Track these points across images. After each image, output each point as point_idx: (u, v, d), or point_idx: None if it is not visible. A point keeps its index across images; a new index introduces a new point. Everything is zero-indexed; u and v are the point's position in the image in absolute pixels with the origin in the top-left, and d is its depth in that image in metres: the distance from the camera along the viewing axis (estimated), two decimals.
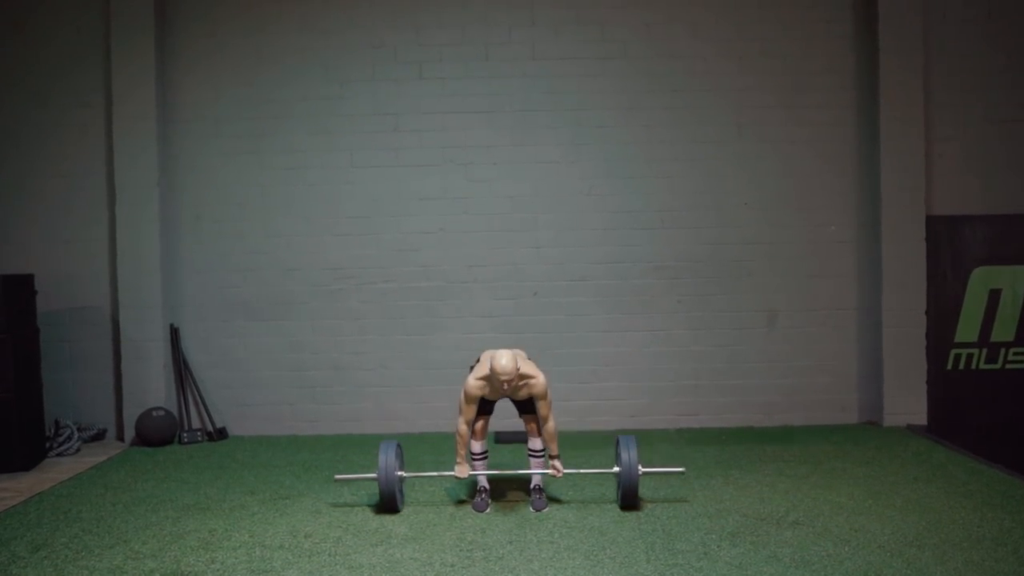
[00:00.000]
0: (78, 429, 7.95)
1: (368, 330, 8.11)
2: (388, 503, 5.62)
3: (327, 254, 8.11)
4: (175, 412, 7.99)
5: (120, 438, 8.06)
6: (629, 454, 5.55)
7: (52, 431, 7.78)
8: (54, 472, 6.95)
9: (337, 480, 6.03)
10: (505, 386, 5.36)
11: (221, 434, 8.01)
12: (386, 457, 5.60)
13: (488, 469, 5.88)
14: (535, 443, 5.78)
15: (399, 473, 5.70)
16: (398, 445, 5.77)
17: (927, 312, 7.93)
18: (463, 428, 5.62)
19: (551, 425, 5.63)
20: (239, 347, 8.15)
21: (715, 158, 8.05)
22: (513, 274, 8.08)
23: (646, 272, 8.05)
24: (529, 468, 5.85)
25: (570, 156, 8.06)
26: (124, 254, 7.93)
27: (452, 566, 4.71)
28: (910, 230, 7.90)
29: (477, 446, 5.77)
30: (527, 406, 5.72)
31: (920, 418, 7.93)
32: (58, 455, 7.49)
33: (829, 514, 5.47)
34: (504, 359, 5.34)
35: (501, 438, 7.64)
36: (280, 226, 8.11)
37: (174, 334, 8.06)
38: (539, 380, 5.54)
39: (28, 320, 7.43)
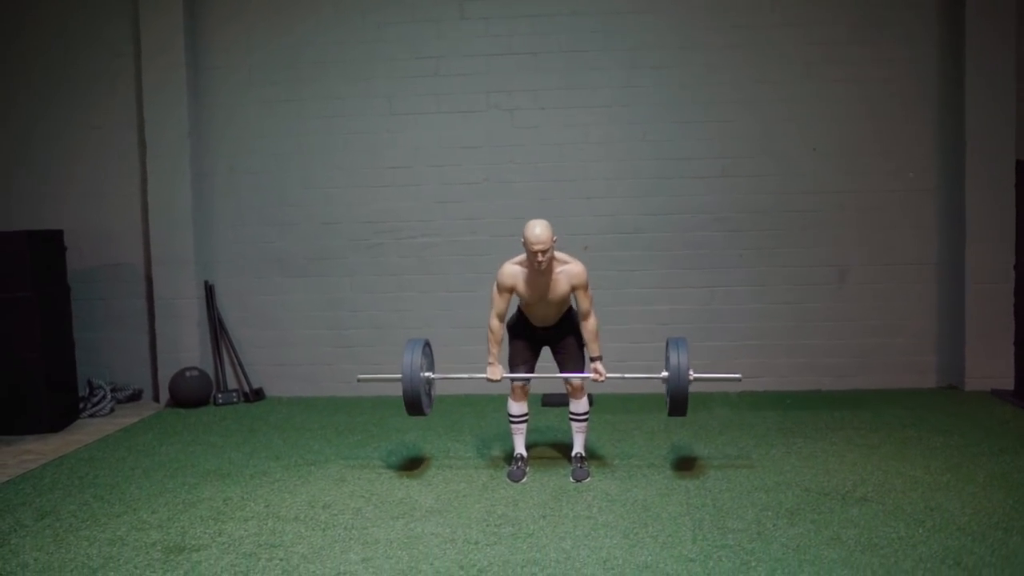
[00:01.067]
0: (113, 390, 7.74)
1: (409, 287, 7.70)
2: (413, 405, 5.18)
3: (366, 207, 7.70)
4: (211, 372, 7.73)
5: (156, 399, 7.82)
6: (679, 357, 5.01)
7: (87, 392, 7.59)
8: (82, 434, 6.71)
9: (360, 381, 5.64)
10: (540, 260, 4.88)
11: (257, 395, 7.72)
12: (411, 356, 5.15)
13: (524, 435, 5.43)
14: (577, 405, 5.32)
15: (426, 375, 5.26)
16: (426, 343, 5.34)
17: (1015, 267, 7.20)
18: (494, 323, 5.22)
19: (592, 322, 5.17)
20: (275, 305, 7.82)
21: (781, 100, 7.39)
22: (562, 226, 7.46)
23: (705, 224, 7.47)
24: (571, 434, 5.40)
25: (623, 99, 7.48)
26: (156, 208, 7.63)
27: (476, 543, 4.28)
28: (997, 176, 7.16)
29: (516, 408, 5.33)
30: (565, 344, 5.25)
31: (1006, 382, 7.22)
32: (91, 416, 7.28)
33: (902, 489, 4.90)
34: (538, 228, 4.88)
35: (548, 400, 7.20)
36: (317, 178, 7.72)
37: (208, 291, 7.76)
38: (579, 266, 5.10)
39: (58, 277, 7.19)
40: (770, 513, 4.60)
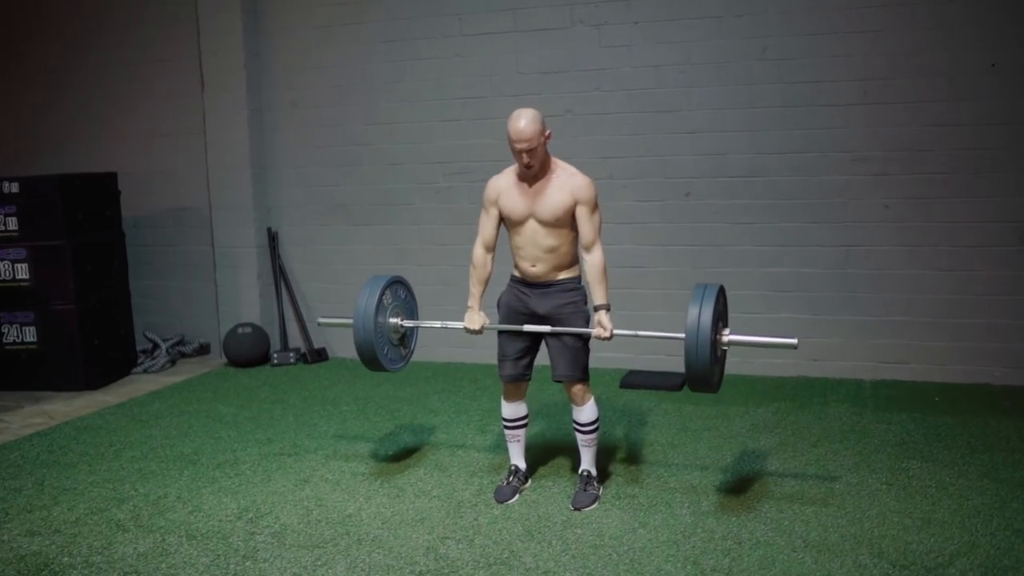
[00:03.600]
0: (178, 343, 7.25)
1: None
2: (367, 357, 4.17)
3: (434, 144, 6.65)
4: (275, 327, 7.05)
5: (223, 354, 7.27)
6: (700, 310, 3.61)
7: (152, 346, 7.15)
8: (112, 394, 6.22)
9: (320, 324, 4.77)
10: (527, 162, 3.78)
11: (319, 355, 6.96)
12: (367, 298, 4.11)
13: (522, 443, 4.26)
14: (580, 413, 4.06)
15: (396, 320, 4.23)
16: (396, 282, 4.30)
17: None
18: (477, 253, 4.12)
19: (597, 257, 3.90)
20: (340, 255, 6.99)
21: (945, 1, 5.60)
22: (659, 168, 6.20)
23: (840, 165, 5.83)
24: (577, 447, 4.19)
25: (736, 8, 5.91)
26: (214, 148, 6.96)
27: None
28: None
29: (508, 409, 4.18)
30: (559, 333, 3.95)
31: None
32: (144, 371, 6.81)
33: None
34: (522, 119, 3.77)
35: (630, 382, 5.95)
36: (381, 111, 6.74)
37: (272, 239, 7.05)
38: (584, 177, 3.92)
39: (109, 223, 6.71)
40: None
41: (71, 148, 7.45)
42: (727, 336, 3.76)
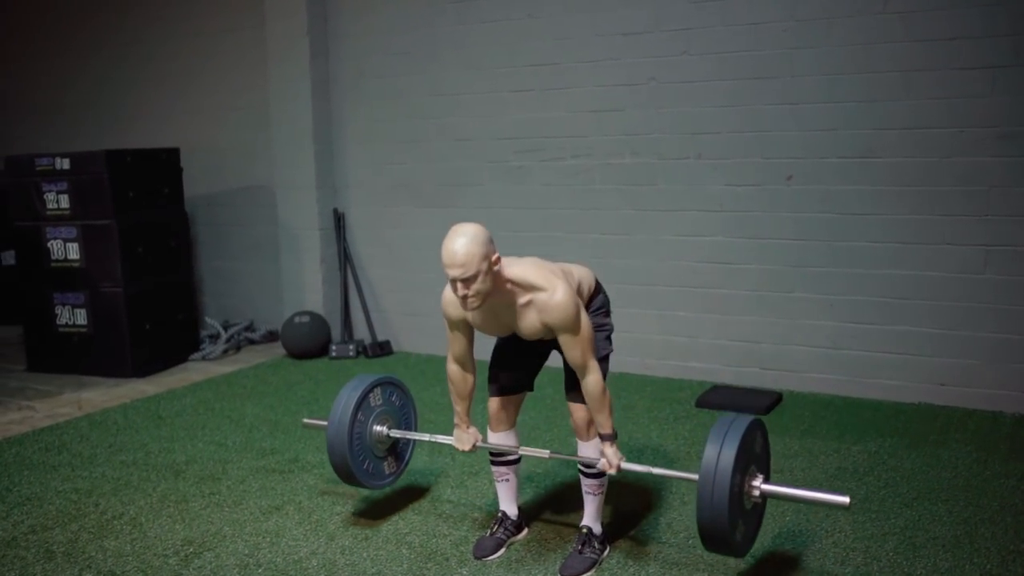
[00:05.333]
0: (247, 329, 6.87)
1: (554, 223, 5.81)
2: (339, 471, 3.55)
3: (504, 118, 5.89)
4: (337, 317, 6.53)
5: None
6: (720, 451, 2.79)
7: (222, 330, 6.80)
8: (155, 384, 5.86)
9: (306, 426, 3.96)
10: (465, 294, 2.87)
11: (383, 348, 6.37)
12: (347, 397, 3.50)
13: (514, 484, 3.47)
14: (585, 449, 3.25)
15: (381, 429, 3.57)
16: (389, 383, 3.64)
17: None
18: (451, 370, 3.31)
19: (592, 381, 3.02)
20: (406, 239, 6.36)
21: None
22: (756, 146, 5.18)
23: (980, 144, 4.64)
24: (581, 491, 3.37)
25: None
26: (278, 122, 6.48)
27: None
28: None
29: (494, 438, 3.42)
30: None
31: None
32: (203, 359, 6.45)
33: None
34: (456, 241, 2.84)
35: (707, 401, 5.03)
36: (448, 81, 6.03)
37: (338, 221, 6.51)
38: (556, 296, 2.94)
39: (165, 202, 6.35)
40: None
41: (139, 123, 7.21)
42: (761, 486, 2.88)
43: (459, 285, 2.86)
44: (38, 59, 7.83)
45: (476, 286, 2.86)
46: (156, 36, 7.11)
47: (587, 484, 3.27)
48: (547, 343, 3.27)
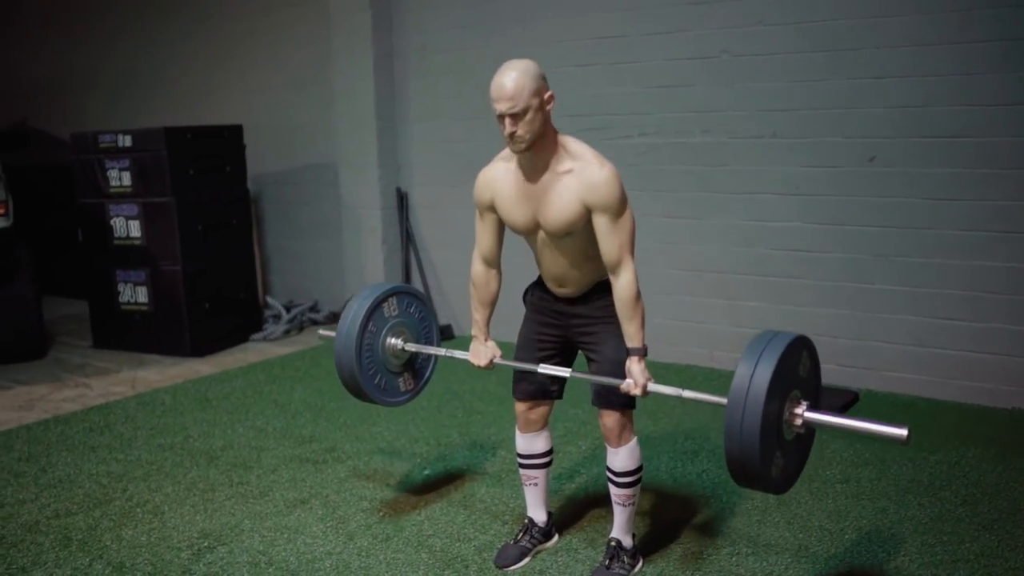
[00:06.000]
0: (311, 309, 6.77)
1: None
2: (347, 383, 3.29)
3: (568, 94, 5.53)
4: None
5: None
6: (755, 369, 2.39)
7: (287, 309, 6.71)
8: (211, 364, 5.80)
9: (322, 337, 3.68)
10: (513, 131, 2.62)
11: (444, 333, 6.17)
12: (358, 305, 3.24)
13: (543, 488, 3.20)
14: (614, 458, 2.96)
15: (394, 341, 3.29)
16: (408, 293, 3.39)
17: None
18: (476, 269, 3.09)
19: (625, 281, 2.74)
20: (469, 222, 6.11)
21: None
22: (836, 124, 4.76)
23: None
24: (610, 497, 3.10)
25: None
26: (341, 98, 6.32)
27: None
28: None
29: (522, 442, 3.16)
30: (598, 346, 2.88)
31: None
32: (264, 339, 6.37)
33: None
34: (507, 74, 2.64)
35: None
36: (511, 54, 5.66)
37: (401, 200, 6.33)
38: (605, 170, 2.67)
39: (227, 179, 6.27)
40: None
41: (208, 100, 7.18)
42: (805, 414, 2.54)
43: (507, 121, 2.63)
44: (109, 37, 7.89)
45: (525, 123, 2.62)
46: (224, 12, 7.04)
47: (616, 494, 3.00)
48: (566, 339, 2.99)
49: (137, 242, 5.98)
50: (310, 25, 6.54)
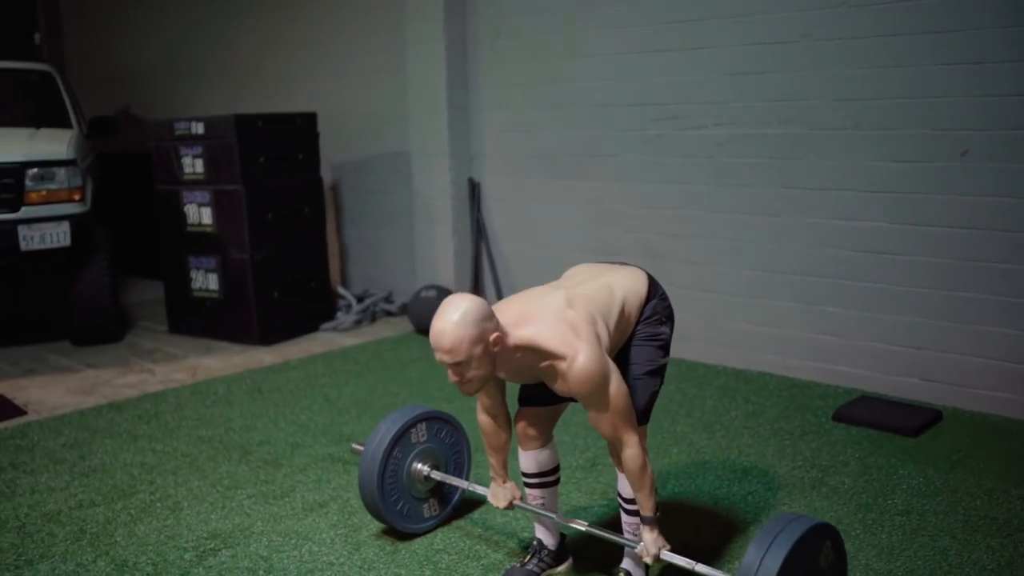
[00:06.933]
0: (385, 299, 6.68)
1: (693, 200, 5.17)
2: (371, 508, 3.20)
3: (642, 81, 5.29)
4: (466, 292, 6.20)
5: None
6: (761, 556, 2.20)
7: (360, 299, 6.65)
8: (275, 354, 5.77)
9: (354, 451, 3.54)
10: (457, 380, 2.43)
11: None
12: (383, 433, 3.15)
13: (551, 508, 2.95)
14: (622, 480, 2.73)
15: (420, 467, 3.20)
16: (440, 418, 3.27)
17: None
18: (482, 420, 2.85)
19: (629, 456, 2.52)
20: (541, 213, 5.91)
21: None
22: (925, 115, 4.32)
23: None
24: (621, 528, 2.83)
25: None
26: (414, 85, 6.18)
27: None
28: None
29: (525, 460, 2.92)
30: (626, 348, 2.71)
31: None
32: (333, 329, 6.31)
33: None
34: (443, 319, 2.38)
35: (847, 414, 4.29)
36: (584, 40, 5.50)
37: (473, 191, 6.15)
38: (576, 365, 2.41)
39: (299, 167, 6.21)
40: None
41: (284, 87, 7.15)
42: None
43: (450, 371, 2.42)
44: (199, 26, 7.97)
45: (470, 373, 2.41)
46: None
47: (627, 522, 2.75)
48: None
49: (208, 229, 6.00)
50: (385, 12, 6.43)
